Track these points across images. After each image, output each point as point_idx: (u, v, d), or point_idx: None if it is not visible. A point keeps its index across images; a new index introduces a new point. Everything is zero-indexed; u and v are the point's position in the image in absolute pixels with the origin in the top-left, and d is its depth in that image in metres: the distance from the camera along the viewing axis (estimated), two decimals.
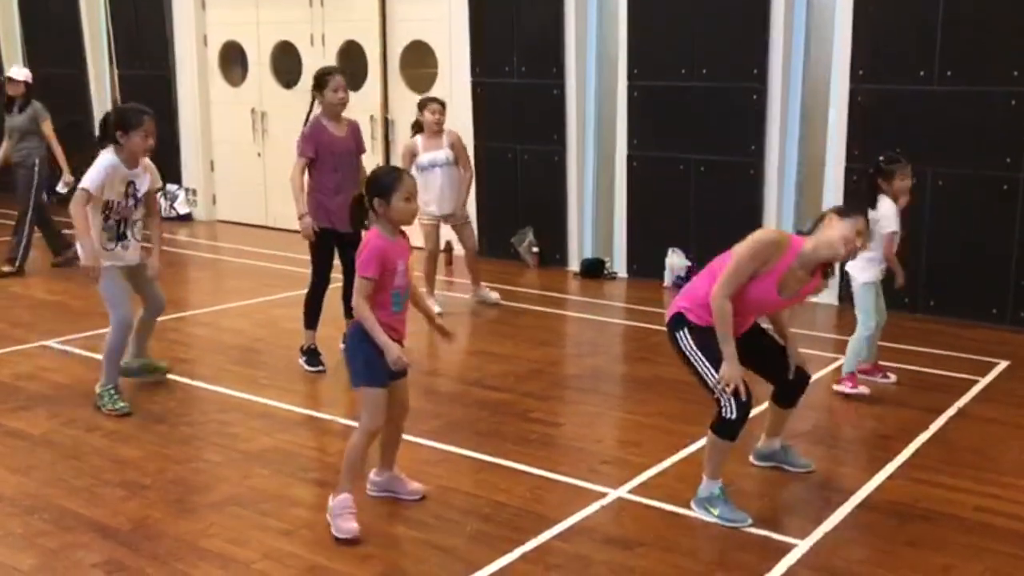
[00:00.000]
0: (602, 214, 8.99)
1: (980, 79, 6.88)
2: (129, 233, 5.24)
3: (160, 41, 11.29)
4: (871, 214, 4.95)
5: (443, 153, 7.22)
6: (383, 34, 9.79)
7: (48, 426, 5.00)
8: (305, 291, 6.01)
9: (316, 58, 10.32)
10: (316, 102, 5.92)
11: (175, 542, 3.78)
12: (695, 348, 3.93)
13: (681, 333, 3.97)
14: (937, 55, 6.98)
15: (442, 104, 7.27)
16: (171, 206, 11.47)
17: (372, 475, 4.20)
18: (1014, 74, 6.74)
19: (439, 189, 7.24)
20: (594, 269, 8.67)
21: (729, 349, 3.82)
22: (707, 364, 3.89)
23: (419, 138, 7.24)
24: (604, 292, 8.23)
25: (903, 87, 7.16)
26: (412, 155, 7.19)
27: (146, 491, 4.23)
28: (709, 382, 3.90)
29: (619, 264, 8.72)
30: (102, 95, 12.08)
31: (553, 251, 9.01)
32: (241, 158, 11.17)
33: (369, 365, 3.79)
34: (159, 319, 5.69)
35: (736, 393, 3.81)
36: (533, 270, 8.91)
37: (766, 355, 4.15)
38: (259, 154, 11.01)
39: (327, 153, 5.78)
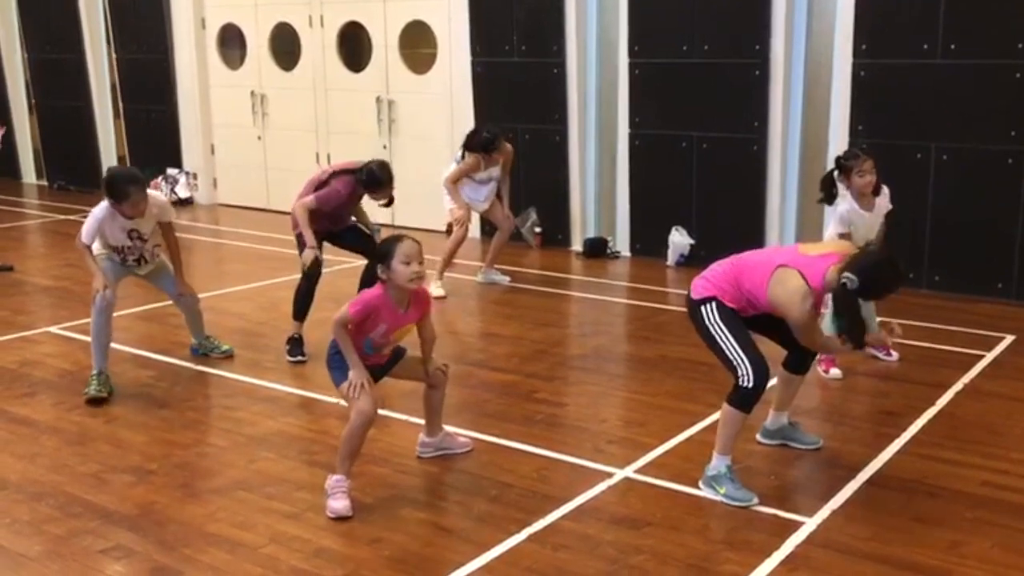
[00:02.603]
0: (604, 193, 8.96)
1: (984, 53, 6.82)
2: (147, 258, 5.47)
3: (158, 24, 11.23)
4: (827, 209, 5.08)
5: (497, 170, 7.42)
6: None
7: (53, 412, 4.99)
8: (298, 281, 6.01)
9: (315, 39, 10.29)
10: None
11: (182, 527, 3.78)
12: (718, 321, 3.95)
13: (708, 306, 3.99)
14: (940, 29, 6.92)
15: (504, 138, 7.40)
16: (172, 190, 11.44)
17: (423, 437, 4.40)
18: (1018, 47, 6.68)
19: (487, 193, 7.47)
20: (597, 249, 8.65)
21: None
22: (727, 334, 3.92)
23: (481, 160, 7.27)
24: (607, 271, 8.21)
25: (906, 61, 7.11)
26: (473, 171, 7.29)
27: (152, 476, 4.24)
28: (726, 350, 3.92)
29: (622, 243, 8.70)
30: (100, 79, 12.04)
31: (556, 231, 8.98)
32: (241, 141, 11.13)
33: (340, 369, 3.94)
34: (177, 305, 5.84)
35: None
36: (536, 250, 8.89)
37: (782, 320, 4.13)
38: (259, 137, 10.97)
39: (333, 214, 5.86)
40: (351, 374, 3.88)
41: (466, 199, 7.32)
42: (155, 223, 5.38)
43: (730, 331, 3.93)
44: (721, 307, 3.98)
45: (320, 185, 5.82)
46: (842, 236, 5.16)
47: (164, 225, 5.43)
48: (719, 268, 4.09)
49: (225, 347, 5.90)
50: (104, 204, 5.19)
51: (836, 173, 5.27)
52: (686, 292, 4.20)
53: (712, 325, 3.97)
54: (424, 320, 4.10)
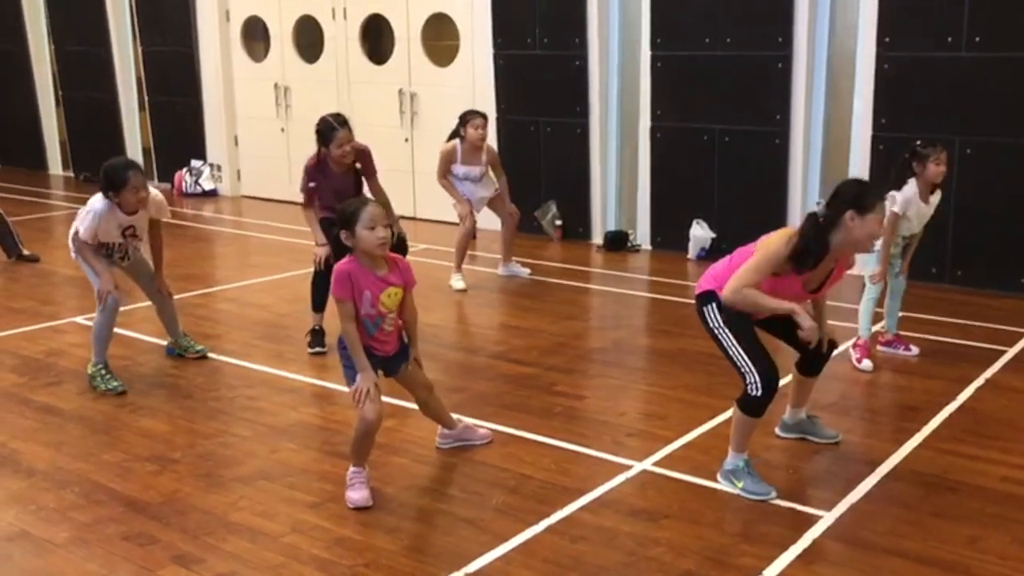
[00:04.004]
0: (625, 186, 8.95)
1: (1009, 45, 6.77)
2: (130, 254, 5.41)
3: (183, 17, 11.31)
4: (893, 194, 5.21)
5: (478, 170, 7.34)
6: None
7: (79, 401, 5.06)
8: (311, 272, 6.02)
9: (339, 32, 10.33)
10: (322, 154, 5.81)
11: (204, 515, 3.83)
12: (721, 324, 3.93)
13: (709, 308, 3.98)
14: (965, 21, 6.87)
15: (485, 118, 7.28)
16: (196, 182, 11.54)
17: (442, 429, 4.43)
18: None
19: (470, 193, 7.41)
20: (618, 242, 8.65)
21: (779, 304, 3.81)
22: (733, 339, 3.90)
23: (458, 148, 7.25)
24: (628, 264, 8.21)
25: (930, 54, 7.07)
26: (450, 162, 7.28)
27: (175, 465, 4.29)
28: (735, 356, 3.90)
29: (643, 236, 8.69)
30: (126, 72, 12.14)
31: (576, 224, 8.99)
32: (265, 133, 11.20)
33: (352, 368, 3.91)
34: (173, 300, 5.75)
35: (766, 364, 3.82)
36: (557, 243, 8.90)
37: (793, 324, 4.12)
38: (283, 129, 11.03)
39: (329, 191, 5.81)
40: (358, 379, 3.86)
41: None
42: (146, 226, 5.32)
43: (737, 337, 3.88)
44: (721, 307, 3.92)
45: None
46: (895, 217, 5.20)
47: (155, 222, 5.37)
48: (722, 260, 4.07)
49: (199, 347, 5.76)
50: (102, 199, 5.10)
51: (911, 161, 5.32)
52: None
53: (717, 329, 3.94)
54: (407, 295, 3.99)
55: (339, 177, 5.86)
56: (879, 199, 3.91)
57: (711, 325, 3.98)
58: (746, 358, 3.86)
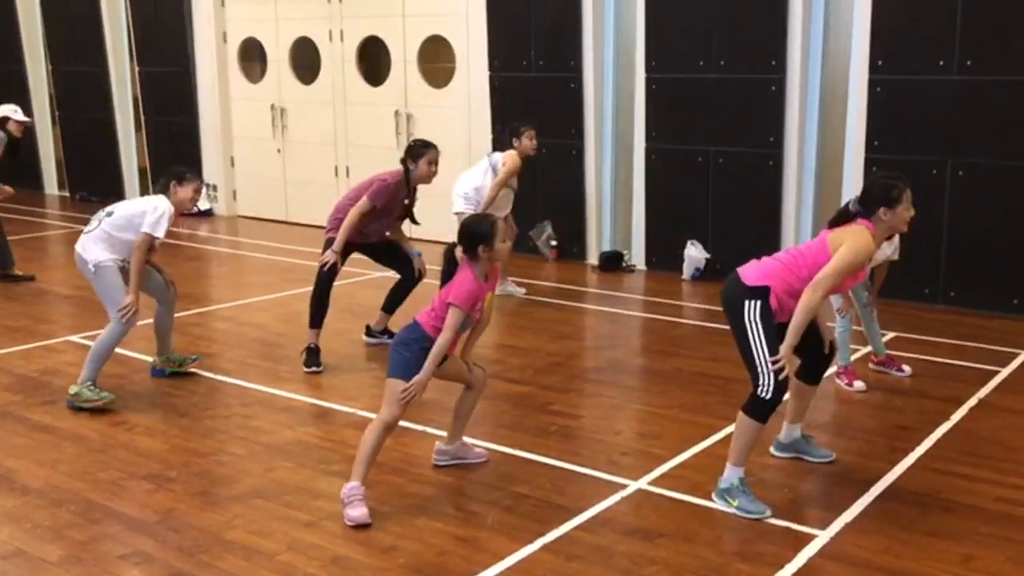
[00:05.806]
0: (620, 207, 8.99)
1: (1000, 68, 6.84)
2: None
3: (180, 38, 11.37)
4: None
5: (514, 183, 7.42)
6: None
7: (74, 420, 5.06)
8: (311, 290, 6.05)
9: (335, 54, 10.39)
10: (409, 169, 5.95)
11: (200, 534, 3.83)
12: (758, 319, 3.93)
13: (752, 303, 3.96)
14: (957, 44, 6.94)
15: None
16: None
17: (440, 445, 4.46)
18: None
19: (504, 203, 7.43)
20: (613, 262, 8.68)
21: (796, 340, 3.90)
22: (763, 340, 3.91)
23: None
24: (623, 285, 8.24)
25: (922, 77, 7.13)
26: (516, 173, 7.28)
27: (171, 484, 4.29)
28: (756, 356, 3.91)
29: (638, 257, 8.73)
30: (123, 93, 12.19)
31: (571, 244, 9.02)
32: (261, 154, 11.24)
33: (406, 363, 3.97)
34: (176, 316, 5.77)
35: (779, 371, 3.86)
36: (552, 263, 8.93)
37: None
38: (279, 150, 11.07)
39: (385, 210, 5.92)
40: (418, 378, 3.92)
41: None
42: None
43: (767, 338, 3.91)
44: (764, 308, 3.94)
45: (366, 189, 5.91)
46: None
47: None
48: (773, 260, 4.08)
49: (193, 357, 5.83)
50: (163, 199, 5.28)
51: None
52: (724, 285, 4.16)
53: (751, 322, 3.94)
54: (491, 295, 4.20)
55: (397, 206, 6.00)
56: (906, 188, 4.04)
57: (746, 317, 3.95)
58: (767, 359, 3.88)
